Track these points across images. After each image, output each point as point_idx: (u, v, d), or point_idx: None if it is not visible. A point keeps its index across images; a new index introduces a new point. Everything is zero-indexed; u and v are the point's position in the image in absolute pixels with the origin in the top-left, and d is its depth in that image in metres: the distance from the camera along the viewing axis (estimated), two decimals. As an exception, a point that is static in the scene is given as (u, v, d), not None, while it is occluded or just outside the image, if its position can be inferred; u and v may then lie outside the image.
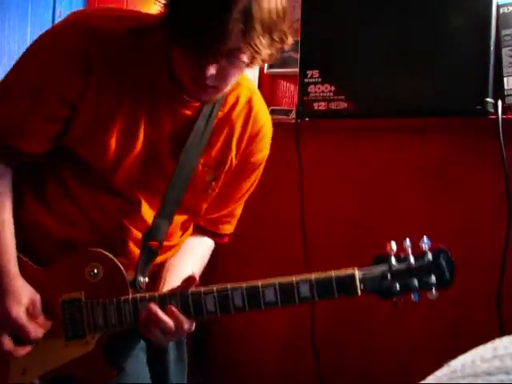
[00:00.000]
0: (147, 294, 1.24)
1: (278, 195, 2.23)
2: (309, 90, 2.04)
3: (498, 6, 1.77)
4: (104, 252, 1.25)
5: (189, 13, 1.06)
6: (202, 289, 1.21)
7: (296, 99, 2.15)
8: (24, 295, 1.22)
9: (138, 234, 1.31)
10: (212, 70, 1.11)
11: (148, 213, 1.30)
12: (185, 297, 1.21)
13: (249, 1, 1.04)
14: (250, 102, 1.33)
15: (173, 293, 1.22)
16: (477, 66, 1.79)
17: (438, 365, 0.45)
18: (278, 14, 1.10)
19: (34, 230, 1.29)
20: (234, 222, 1.47)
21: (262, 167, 1.41)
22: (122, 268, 1.25)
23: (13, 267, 1.23)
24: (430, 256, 1.18)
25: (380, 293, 1.19)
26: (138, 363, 1.37)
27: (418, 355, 1.96)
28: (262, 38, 1.08)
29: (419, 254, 1.19)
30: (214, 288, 1.20)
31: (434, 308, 2.00)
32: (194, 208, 1.37)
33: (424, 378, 0.44)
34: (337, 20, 2.04)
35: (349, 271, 1.19)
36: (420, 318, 2.02)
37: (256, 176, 1.42)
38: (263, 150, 1.38)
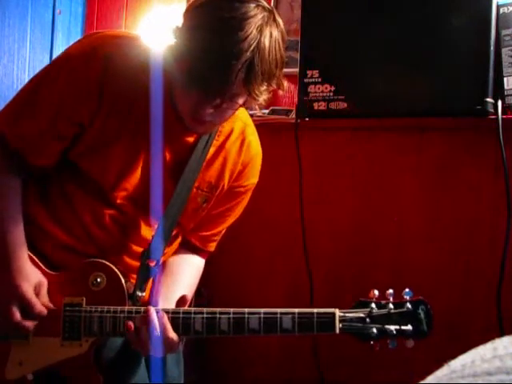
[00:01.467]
0: (142, 308, 1.31)
1: (277, 195, 2.23)
2: (309, 89, 2.04)
3: (498, 6, 1.77)
4: (108, 264, 1.35)
5: (197, 61, 1.16)
6: (193, 309, 1.30)
7: (296, 99, 2.14)
8: (33, 276, 1.33)
9: (135, 248, 1.41)
10: (210, 109, 1.22)
11: (145, 230, 1.40)
12: (176, 314, 1.29)
13: (252, 53, 1.15)
14: (243, 132, 1.43)
15: (165, 310, 1.30)
16: (477, 65, 1.79)
17: (438, 365, 0.45)
18: (277, 64, 1.22)
19: (39, 233, 1.39)
20: (218, 239, 1.57)
21: (250, 192, 1.51)
22: (124, 281, 1.35)
23: (24, 253, 1.33)
24: (409, 305, 1.24)
25: (358, 335, 1.25)
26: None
27: (417, 355, 1.96)
28: (260, 86, 1.20)
29: (399, 302, 1.25)
30: (204, 310, 1.29)
31: (433, 308, 2.00)
32: (183, 225, 1.47)
33: (424, 377, 0.44)
34: (337, 20, 2.04)
35: (330, 310, 1.25)
36: (420, 317, 2.02)
37: (245, 200, 1.52)
38: (254, 177, 1.49)
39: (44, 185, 1.39)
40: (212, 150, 1.39)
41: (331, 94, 2.01)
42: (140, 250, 1.41)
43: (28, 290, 1.31)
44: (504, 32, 1.76)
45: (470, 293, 1.94)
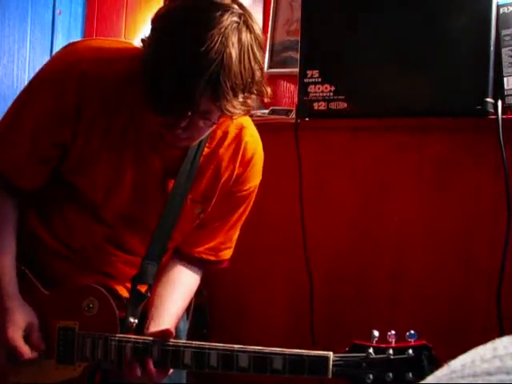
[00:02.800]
0: (132, 338, 1.30)
1: (277, 195, 2.23)
2: (309, 89, 2.04)
3: (498, 6, 1.77)
4: (102, 290, 1.33)
5: (156, 79, 1.07)
6: (181, 342, 1.28)
7: (296, 99, 2.15)
8: (21, 317, 1.28)
9: (130, 258, 1.38)
10: (183, 124, 1.12)
11: (137, 245, 1.37)
12: (165, 347, 1.27)
13: (217, 67, 1.04)
14: (239, 134, 1.34)
15: (154, 342, 1.28)
16: (477, 65, 1.79)
17: (438, 365, 0.45)
18: (252, 73, 1.10)
19: (33, 241, 1.37)
20: (233, 245, 1.49)
21: (253, 195, 1.43)
22: (116, 308, 1.32)
23: (12, 288, 1.29)
24: (411, 351, 1.12)
25: (352, 380, 1.15)
26: None
27: None
28: (233, 101, 1.09)
29: (400, 347, 1.13)
30: (193, 344, 1.26)
31: (433, 308, 2.00)
32: (176, 239, 1.41)
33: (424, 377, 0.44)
34: (337, 20, 2.04)
35: (324, 353, 1.17)
36: (420, 318, 2.01)
37: (248, 203, 1.44)
38: (255, 179, 1.40)
39: (40, 201, 1.37)
40: (203, 160, 1.31)
41: (331, 93, 2.01)
42: (135, 259, 1.38)
43: (14, 335, 1.26)
44: (504, 32, 1.76)
45: (470, 293, 1.94)
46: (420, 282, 2.03)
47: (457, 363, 0.43)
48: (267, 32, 2.54)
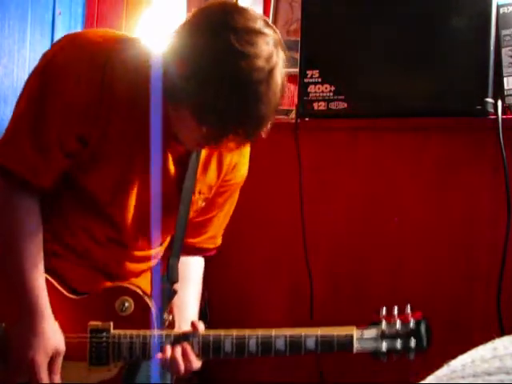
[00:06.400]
0: (172, 332, 1.35)
1: (277, 195, 2.23)
2: (309, 90, 2.04)
3: (498, 6, 1.77)
4: (135, 289, 1.35)
5: (219, 93, 1.10)
6: (222, 332, 1.34)
7: (296, 99, 2.14)
8: (52, 343, 1.26)
9: (136, 254, 1.40)
10: (200, 134, 1.16)
11: (143, 244, 1.39)
12: (206, 338, 1.33)
13: (270, 94, 1.15)
14: None
15: (194, 333, 1.34)
16: (477, 65, 1.79)
17: (438, 365, 0.45)
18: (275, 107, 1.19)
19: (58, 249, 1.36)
20: (221, 234, 1.56)
21: (240, 186, 1.50)
22: (151, 305, 1.35)
23: (48, 310, 1.27)
24: (413, 324, 1.36)
25: (371, 353, 1.35)
26: None
27: (417, 355, 1.96)
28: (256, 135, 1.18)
29: (405, 321, 1.36)
30: (234, 333, 1.33)
31: (434, 308, 2.00)
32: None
33: (424, 377, 0.44)
34: (337, 20, 2.03)
35: (349, 332, 1.34)
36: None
37: (239, 189, 1.51)
38: (246, 165, 1.47)
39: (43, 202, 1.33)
40: (206, 151, 1.35)
41: (331, 93, 2.00)
42: (141, 254, 1.40)
43: (41, 361, 1.25)
44: (504, 32, 1.76)
45: (470, 293, 1.94)
46: (420, 282, 2.03)
47: (457, 363, 0.43)
48: (267, 32, 2.54)
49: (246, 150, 1.45)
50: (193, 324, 1.34)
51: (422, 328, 1.36)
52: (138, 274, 1.44)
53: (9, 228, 1.29)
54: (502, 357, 0.42)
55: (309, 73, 2.04)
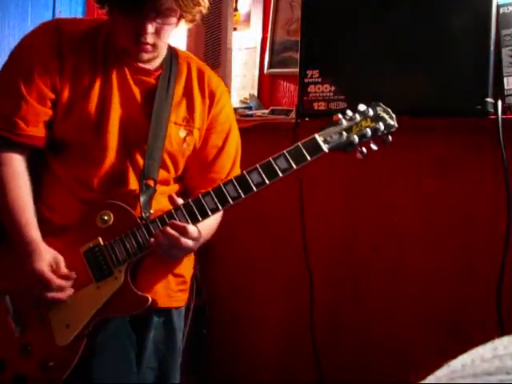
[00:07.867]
0: (155, 217, 1.39)
1: (277, 195, 2.23)
2: (309, 89, 2.04)
3: (498, 6, 1.77)
4: (108, 200, 1.42)
5: None
6: (200, 194, 1.38)
7: (296, 99, 2.14)
8: (46, 255, 1.38)
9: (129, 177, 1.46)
10: (150, 29, 1.33)
11: (134, 173, 1.45)
12: (188, 205, 1.37)
13: None
14: (200, 68, 1.54)
15: (176, 207, 1.37)
16: (477, 65, 1.79)
17: (438, 364, 0.45)
18: None
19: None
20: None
21: (234, 124, 1.58)
22: (129, 208, 1.41)
23: (37, 233, 1.40)
24: (370, 110, 1.41)
25: (343, 148, 1.39)
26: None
27: (417, 355, 1.96)
28: (188, 1, 1.32)
29: (362, 111, 1.40)
30: (210, 189, 1.38)
31: (433, 308, 2.00)
32: (173, 162, 1.51)
33: (424, 377, 0.44)
34: (337, 20, 2.03)
35: (310, 137, 1.38)
36: (420, 317, 2.02)
37: (232, 129, 1.57)
38: (225, 107, 1.55)
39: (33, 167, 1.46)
40: (176, 87, 1.48)
41: (331, 93, 2.01)
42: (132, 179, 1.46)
43: (43, 268, 1.35)
44: (504, 32, 1.76)
45: (470, 293, 1.94)
46: (420, 282, 2.04)
47: (457, 363, 0.43)
48: (267, 32, 2.54)
49: (222, 90, 1.54)
50: (170, 199, 1.39)
51: (379, 110, 1.41)
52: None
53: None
54: (501, 357, 0.42)
55: (309, 73, 2.04)
